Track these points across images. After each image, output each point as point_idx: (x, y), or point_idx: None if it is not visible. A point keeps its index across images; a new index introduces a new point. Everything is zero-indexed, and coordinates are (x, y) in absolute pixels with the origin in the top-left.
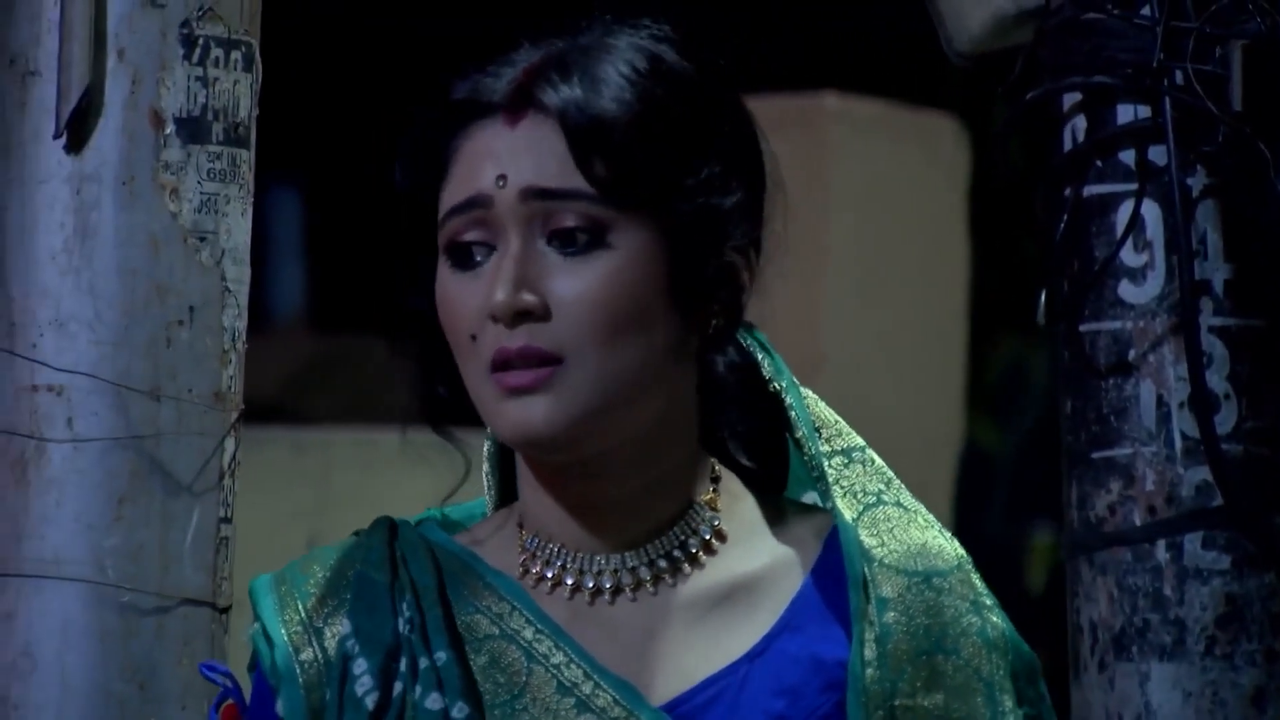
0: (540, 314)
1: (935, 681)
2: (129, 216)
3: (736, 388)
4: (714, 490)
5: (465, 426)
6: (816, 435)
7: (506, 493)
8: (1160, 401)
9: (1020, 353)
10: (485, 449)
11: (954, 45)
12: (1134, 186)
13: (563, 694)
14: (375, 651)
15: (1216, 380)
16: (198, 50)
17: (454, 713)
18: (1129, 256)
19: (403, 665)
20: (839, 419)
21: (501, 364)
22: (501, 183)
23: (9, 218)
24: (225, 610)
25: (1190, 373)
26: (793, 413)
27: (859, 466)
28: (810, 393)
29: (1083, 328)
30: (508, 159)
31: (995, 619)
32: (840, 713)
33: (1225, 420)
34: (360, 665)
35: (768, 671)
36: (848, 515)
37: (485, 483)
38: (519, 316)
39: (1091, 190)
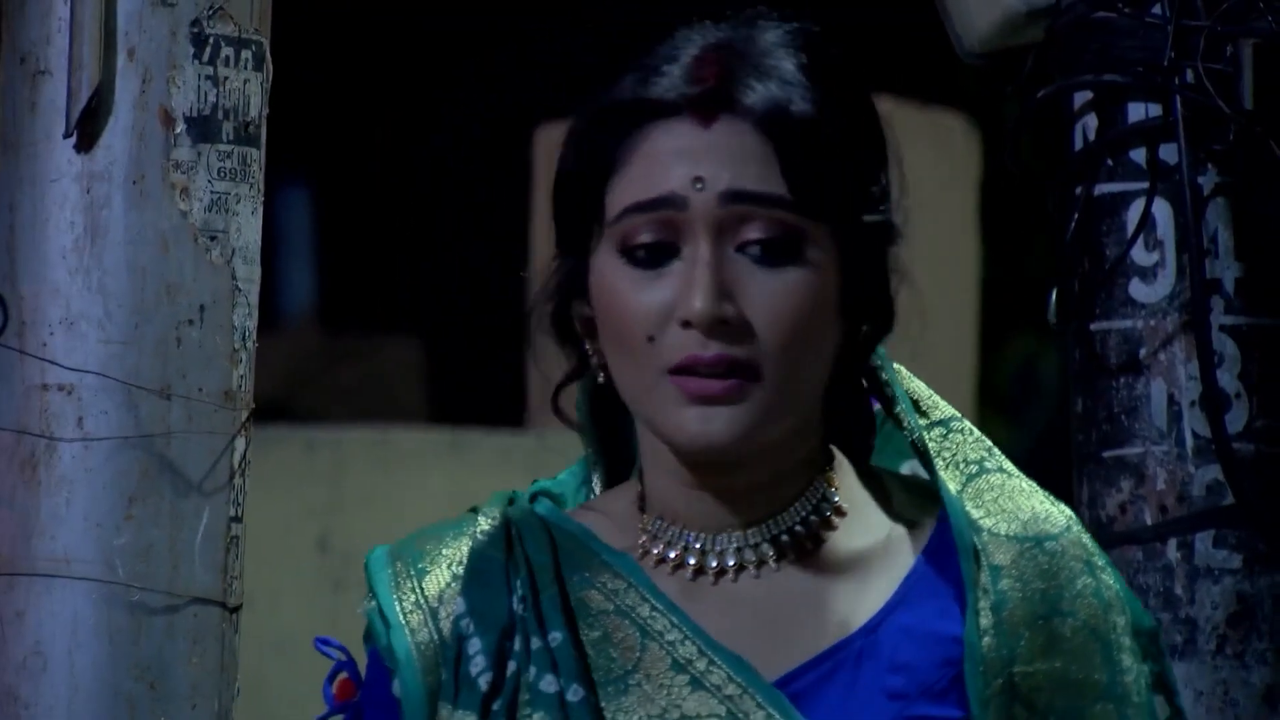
0: (736, 325)
1: (1053, 646)
2: (139, 215)
3: (860, 378)
4: (830, 468)
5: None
6: (914, 409)
7: (610, 465)
8: (1171, 400)
9: (1031, 351)
10: (580, 423)
11: (964, 44)
12: (1145, 185)
13: (676, 670)
14: (489, 630)
15: (1227, 379)
16: (208, 49)
17: (569, 696)
18: (1140, 255)
19: (517, 644)
20: (932, 392)
21: (688, 369)
22: (699, 185)
23: (19, 216)
24: (236, 609)
25: (1201, 371)
26: (890, 389)
27: (958, 436)
28: (900, 367)
29: (1094, 326)
30: (704, 160)
31: (1109, 579)
32: (956, 688)
33: (1236, 419)
34: (474, 645)
35: (883, 647)
36: (952, 487)
37: (589, 456)
38: (717, 326)
39: (1102, 189)
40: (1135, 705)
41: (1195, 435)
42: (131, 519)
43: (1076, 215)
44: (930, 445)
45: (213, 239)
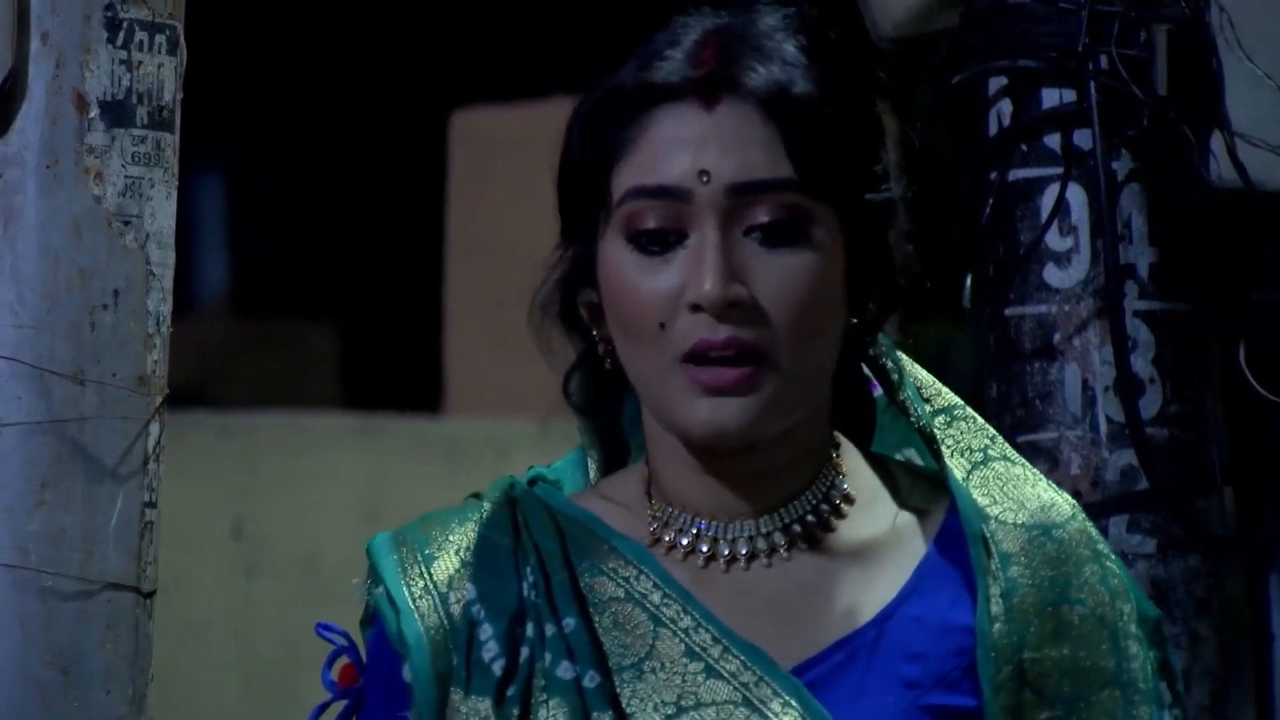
0: (747, 307)
1: (1062, 632)
2: (52, 200)
3: (866, 360)
4: (837, 455)
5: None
6: (920, 396)
7: (608, 452)
8: (1085, 385)
9: (946, 336)
10: (578, 423)
11: (879, 29)
12: (1059, 170)
13: (690, 658)
14: (500, 616)
15: (1141, 364)
16: (122, 33)
17: (585, 681)
18: (1054, 240)
19: (529, 631)
20: (935, 380)
21: (700, 355)
22: (705, 178)
23: None
24: (150, 595)
25: (1115, 357)
26: (895, 376)
27: (962, 424)
28: (903, 355)
29: (1008, 311)
30: (707, 150)
31: (1114, 566)
32: (968, 677)
33: (1150, 404)
34: (486, 631)
35: (896, 636)
36: (958, 474)
37: (585, 443)
38: (728, 309)
39: (1017, 174)
40: (1142, 691)
41: (1109, 420)
42: (44, 504)
43: (991, 200)
44: (935, 432)
45: (126, 224)
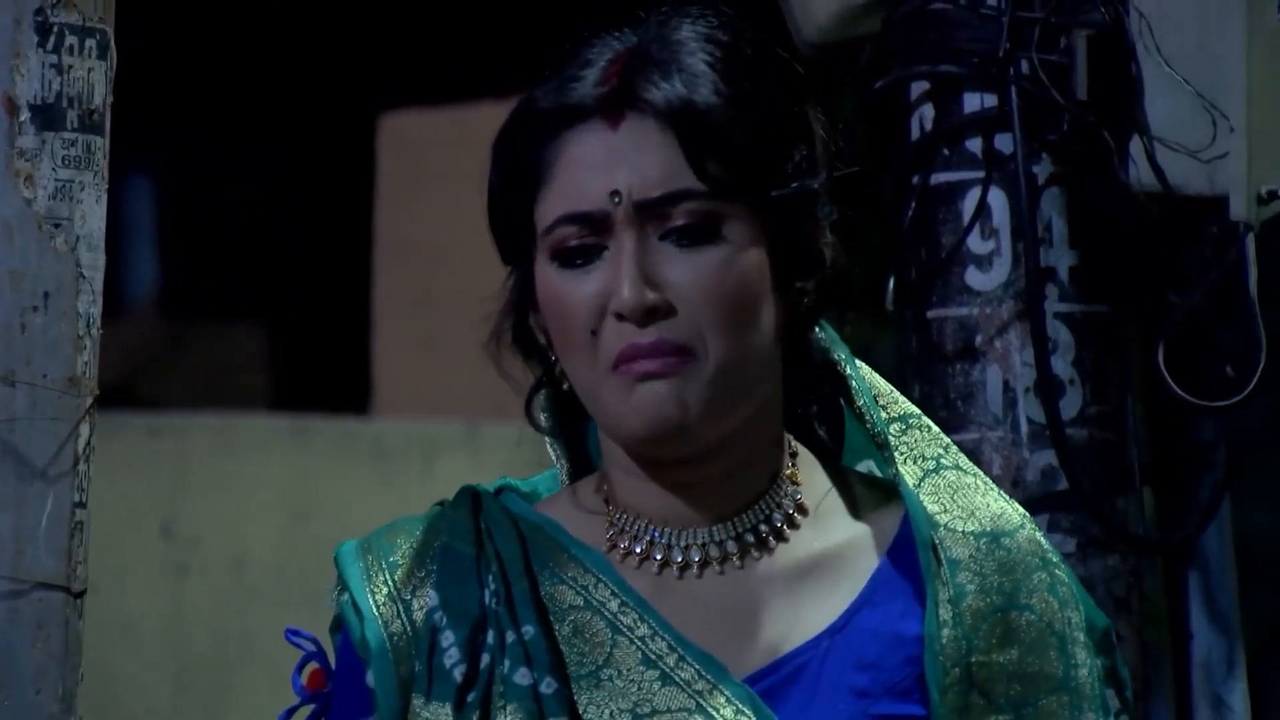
0: (665, 310)
1: (1010, 638)
2: None
3: (811, 355)
4: (793, 465)
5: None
6: (876, 404)
7: (575, 466)
8: (1006, 387)
9: (868, 338)
10: (546, 426)
11: (802, 34)
12: (980, 174)
13: (647, 666)
14: (462, 624)
15: (1061, 366)
16: (52, 38)
17: (542, 688)
18: (975, 243)
19: (490, 638)
20: (892, 388)
21: (629, 358)
22: (616, 198)
23: None
24: (80, 595)
25: (1036, 358)
26: (853, 383)
27: (917, 432)
28: (862, 364)
29: (930, 314)
30: (617, 170)
31: (1063, 575)
32: (919, 686)
33: (1070, 405)
34: (448, 638)
35: (849, 646)
36: (910, 481)
37: (552, 454)
38: (648, 314)
39: (939, 178)
40: (1088, 697)
41: (1030, 421)
42: None
43: (913, 204)
44: (890, 439)
45: (57, 226)
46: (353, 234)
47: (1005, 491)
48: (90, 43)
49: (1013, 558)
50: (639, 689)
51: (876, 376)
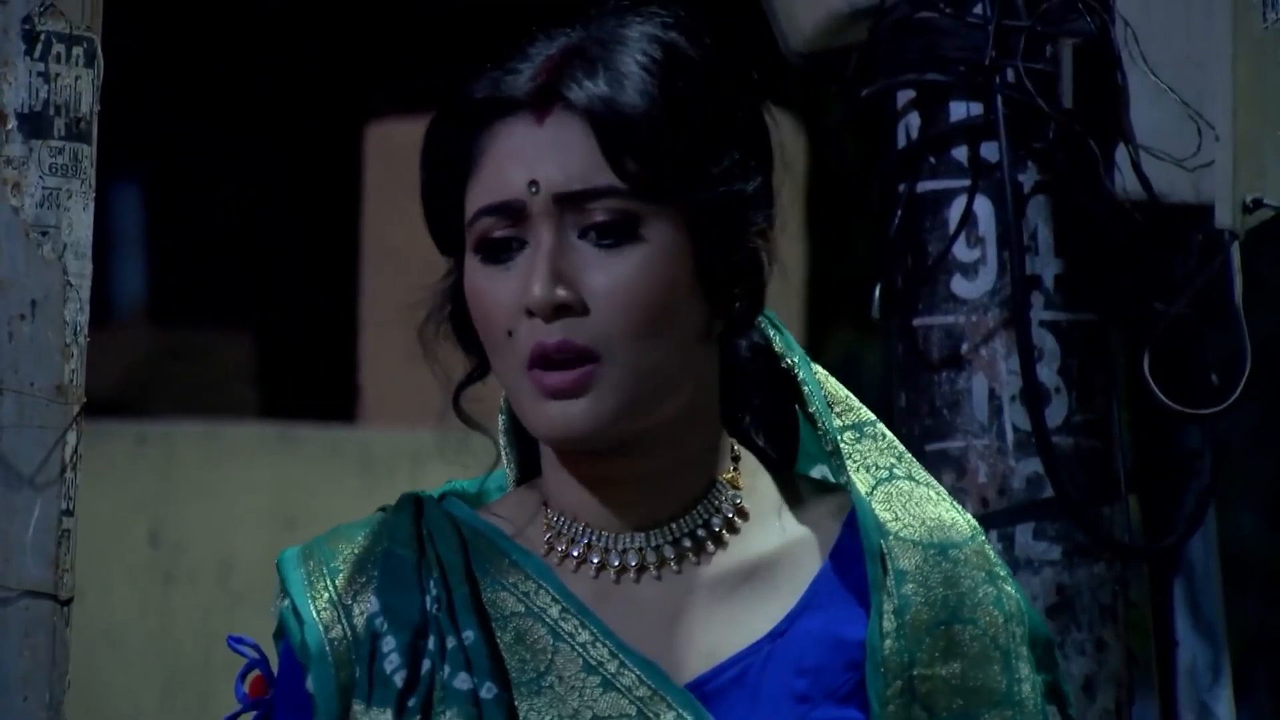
0: (577, 309)
1: (953, 651)
2: None
3: (750, 366)
4: (735, 469)
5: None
6: (830, 410)
7: (523, 467)
8: (992, 395)
9: (855, 346)
10: (500, 424)
11: (789, 43)
12: (966, 183)
13: (588, 672)
14: (403, 629)
15: (1047, 374)
16: (39, 46)
17: (483, 693)
18: (962, 251)
19: (430, 644)
20: (849, 394)
21: (540, 359)
22: (534, 188)
23: None
24: (67, 602)
25: (1021, 366)
26: (806, 388)
27: (870, 441)
28: (820, 368)
29: (916, 322)
30: (538, 162)
31: (1010, 589)
32: (861, 691)
33: (1056, 413)
34: (389, 643)
35: (790, 651)
36: (862, 489)
37: (504, 458)
38: (556, 311)
39: (925, 186)
40: (1030, 713)
41: (1016, 429)
42: None
43: (899, 212)
44: (842, 447)
45: (44, 234)
46: (340, 242)
47: (991, 499)
48: (77, 51)
49: (959, 570)
50: (580, 696)
51: (833, 381)
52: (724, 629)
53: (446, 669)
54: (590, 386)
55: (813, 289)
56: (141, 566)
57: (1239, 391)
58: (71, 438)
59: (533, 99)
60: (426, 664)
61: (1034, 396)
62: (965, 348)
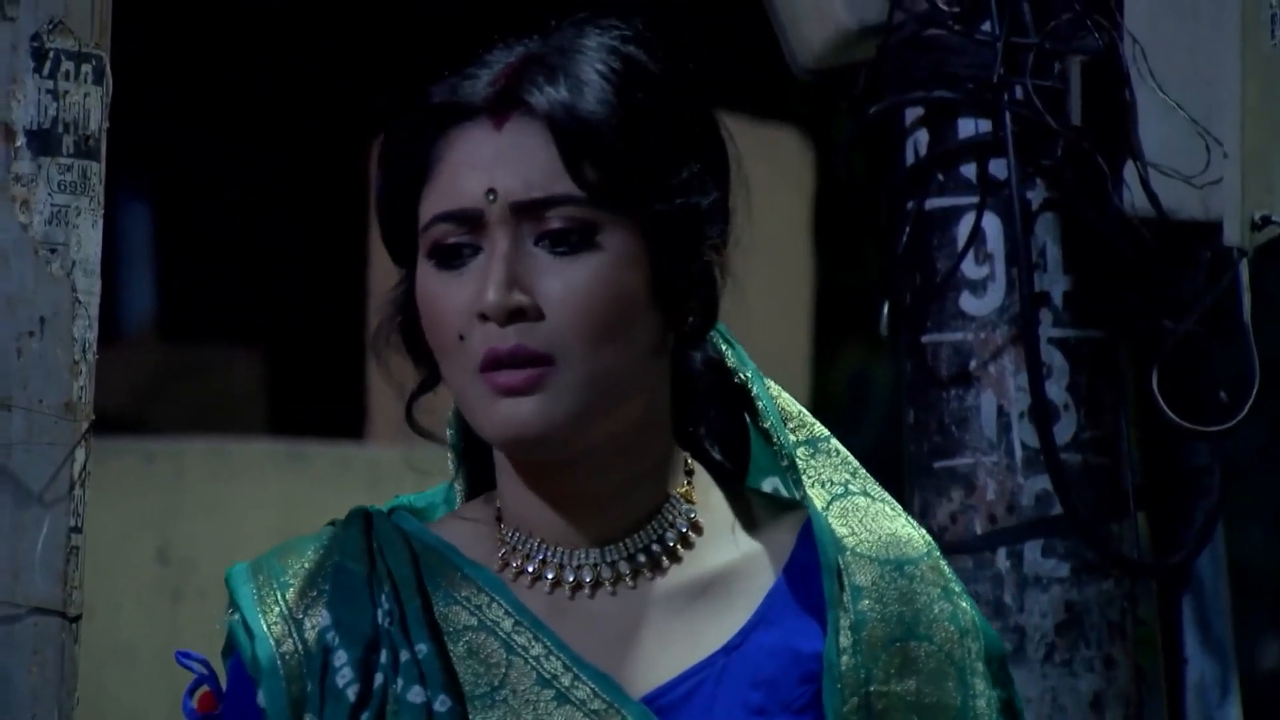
0: (531, 314)
1: (908, 668)
2: None
3: (703, 380)
4: (688, 483)
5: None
6: (784, 425)
7: (473, 481)
8: (1001, 412)
9: (863, 363)
10: (449, 438)
11: (797, 60)
12: (975, 200)
13: (542, 686)
14: (355, 643)
15: (1056, 391)
16: (48, 63)
17: (436, 706)
18: (970, 269)
19: (383, 657)
20: (803, 410)
21: (492, 364)
22: (492, 196)
23: None
24: (75, 619)
25: (1030, 383)
26: (760, 403)
27: (824, 457)
28: (773, 383)
29: (924, 339)
30: (495, 169)
31: (965, 605)
32: (817, 704)
33: (1064, 430)
34: (340, 657)
35: (745, 664)
36: (818, 504)
37: (452, 471)
38: (510, 316)
39: (933, 203)
40: None
41: (1024, 446)
42: None
43: (908, 229)
44: (798, 462)
45: (53, 252)
46: (348, 259)
47: (999, 516)
48: (86, 68)
49: (914, 587)
50: (534, 709)
51: (786, 396)
52: (679, 643)
53: (400, 682)
54: (542, 386)
55: (821, 306)
56: (150, 584)
57: (1248, 408)
58: (80, 455)
59: (491, 104)
60: (379, 678)
61: (1042, 413)
62: (974, 365)
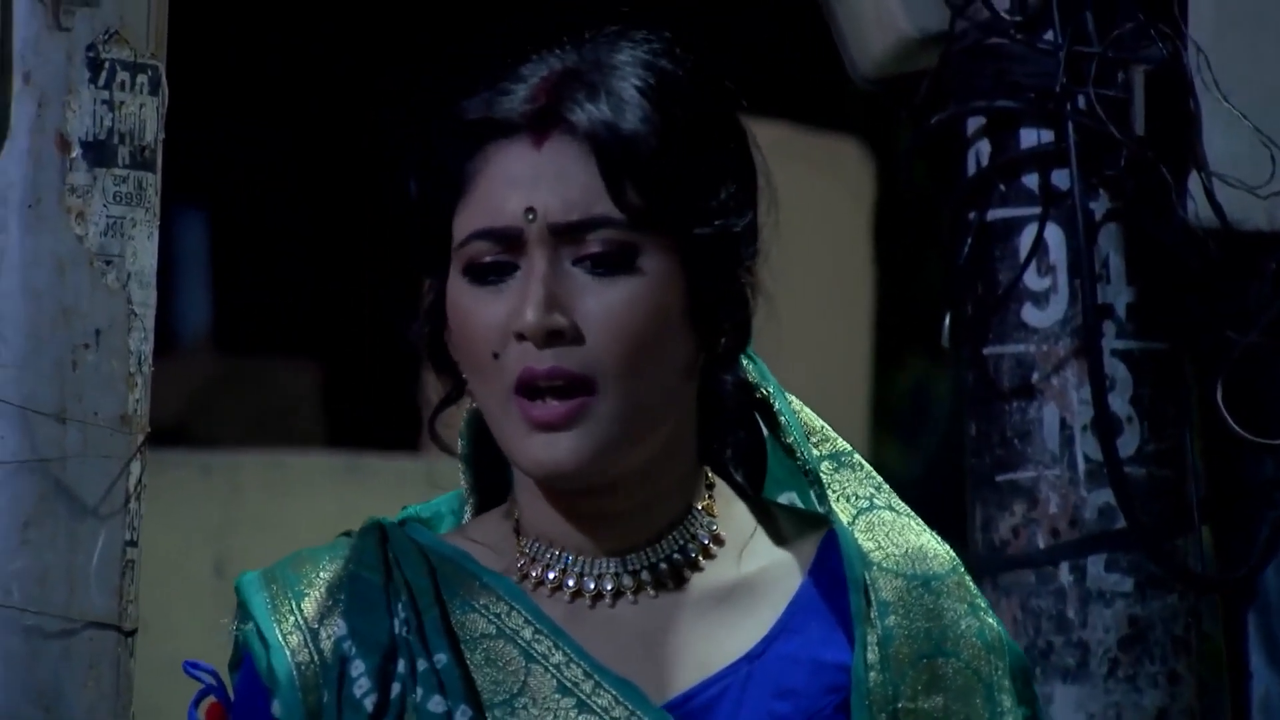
0: (570, 334)
1: (936, 684)
2: (35, 239)
3: (731, 400)
4: (709, 496)
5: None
6: (807, 440)
7: (484, 493)
8: (1064, 424)
9: (924, 376)
10: (460, 448)
11: (858, 69)
12: (1037, 210)
13: (563, 694)
14: (372, 653)
15: (1119, 403)
16: (104, 73)
17: (457, 716)
18: (1032, 280)
19: (400, 667)
20: (825, 425)
21: (528, 385)
22: (531, 216)
23: None
24: (131, 633)
25: (1093, 396)
26: (782, 418)
27: (849, 471)
28: (794, 398)
29: (986, 351)
30: (536, 188)
31: (991, 621)
32: (840, 715)
33: (1128, 443)
34: (358, 667)
35: (768, 673)
36: (844, 519)
37: (462, 479)
38: (549, 338)
39: (995, 214)
40: None
41: (1087, 459)
42: (27, 543)
43: (969, 240)
44: (822, 476)
45: (109, 263)
46: (407, 270)
47: (1062, 530)
48: (142, 78)
49: (941, 603)
50: (555, 717)
51: (808, 411)
52: (701, 650)
53: (419, 692)
54: (579, 420)
55: (881, 318)
56: (206, 597)
57: None
58: (135, 468)
59: (530, 121)
60: (397, 687)
61: (1106, 426)
62: (1036, 377)
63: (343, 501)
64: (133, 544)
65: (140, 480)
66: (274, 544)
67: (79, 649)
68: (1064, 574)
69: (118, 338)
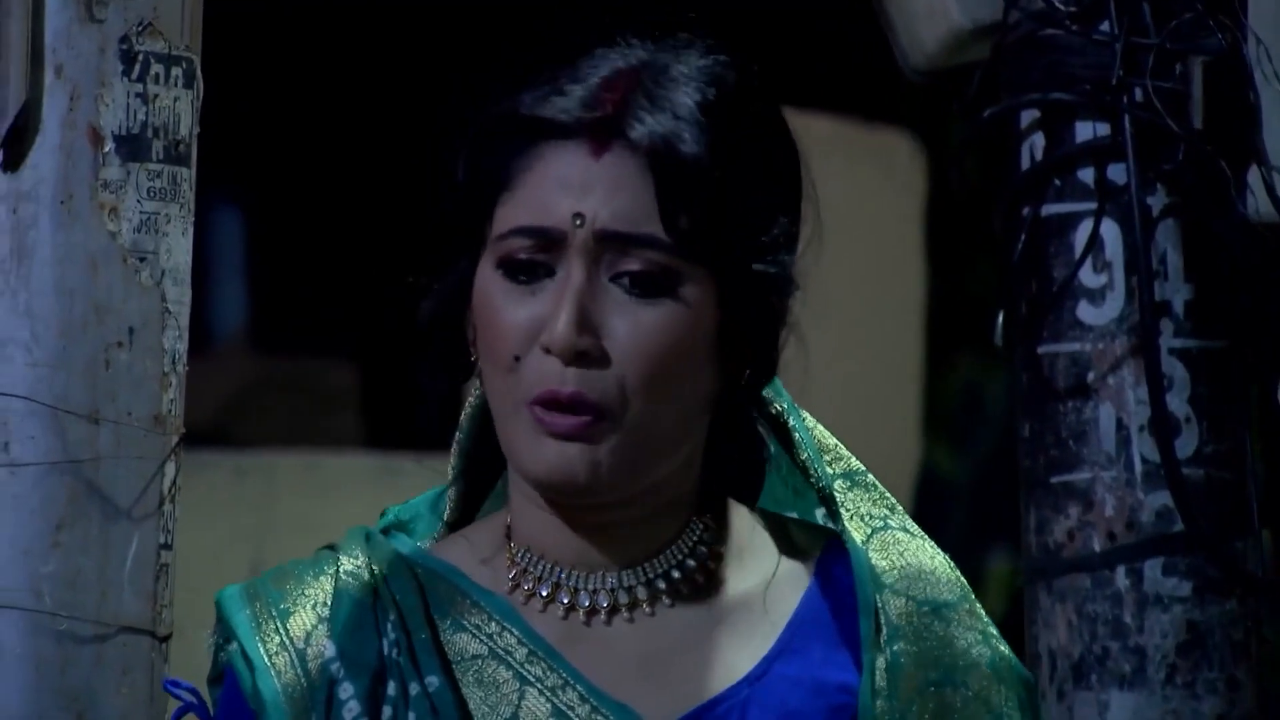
0: (596, 355)
1: (943, 714)
2: (67, 236)
3: (745, 425)
4: (711, 511)
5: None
6: (821, 457)
7: (470, 490)
8: (1120, 425)
9: (977, 375)
10: (459, 440)
11: (909, 61)
12: (1093, 205)
13: (558, 717)
14: (361, 675)
15: (1177, 403)
16: (137, 66)
17: None
18: (1088, 277)
19: (391, 689)
20: (839, 443)
21: (547, 403)
22: (579, 221)
23: None
24: (165, 639)
25: (1150, 395)
26: (796, 435)
27: (862, 490)
28: (808, 415)
29: (1041, 349)
30: (587, 195)
31: (1002, 649)
32: None
33: (1186, 444)
34: (346, 689)
35: (770, 695)
36: (857, 538)
37: (450, 474)
38: (576, 357)
39: (1050, 209)
40: None
41: (1144, 460)
42: (59, 546)
43: (1023, 236)
44: (835, 495)
45: (142, 260)
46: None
47: (1119, 533)
48: (176, 71)
49: (952, 630)
50: None
51: (821, 429)
52: (699, 672)
53: (411, 716)
54: (595, 436)
55: (933, 315)
56: None
57: None
58: (170, 469)
59: (591, 129)
60: (388, 710)
61: (1163, 427)
62: (1092, 376)
63: (380, 503)
64: (167, 547)
65: (175, 482)
66: (311, 547)
67: (112, 654)
68: (1120, 578)
69: (152, 336)
